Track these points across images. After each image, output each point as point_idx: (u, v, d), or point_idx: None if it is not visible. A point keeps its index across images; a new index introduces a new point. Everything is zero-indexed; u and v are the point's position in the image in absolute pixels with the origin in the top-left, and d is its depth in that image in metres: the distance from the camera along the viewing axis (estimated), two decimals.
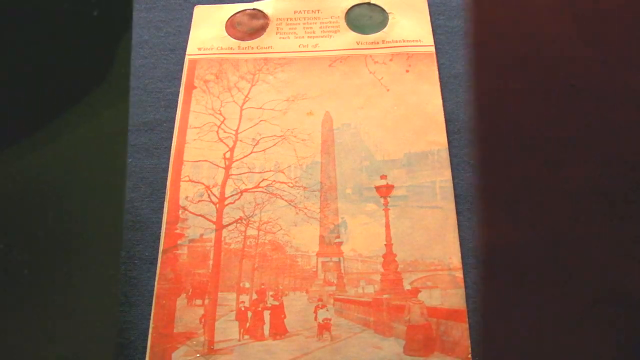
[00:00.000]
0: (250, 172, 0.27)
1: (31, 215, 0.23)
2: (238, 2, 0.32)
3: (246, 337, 0.24)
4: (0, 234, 0.22)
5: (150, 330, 0.24)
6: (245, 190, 0.27)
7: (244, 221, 0.26)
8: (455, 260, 0.25)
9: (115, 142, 0.25)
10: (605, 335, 0.25)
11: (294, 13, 0.31)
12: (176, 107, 0.29)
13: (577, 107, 0.30)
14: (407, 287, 0.24)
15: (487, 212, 0.27)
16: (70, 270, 0.23)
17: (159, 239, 0.26)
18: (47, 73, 0.24)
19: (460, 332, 0.23)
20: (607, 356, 0.24)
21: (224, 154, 0.27)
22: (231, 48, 0.30)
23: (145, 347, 0.24)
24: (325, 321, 0.24)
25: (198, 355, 0.23)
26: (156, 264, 0.25)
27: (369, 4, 0.31)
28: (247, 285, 0.25)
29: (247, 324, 0.24)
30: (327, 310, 0.24)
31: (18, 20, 0.24)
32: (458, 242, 0.25)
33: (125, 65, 0.25)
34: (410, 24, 0.31)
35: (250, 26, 0.31)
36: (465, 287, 0.24)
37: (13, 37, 0.24)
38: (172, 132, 0.28)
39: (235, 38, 0.31)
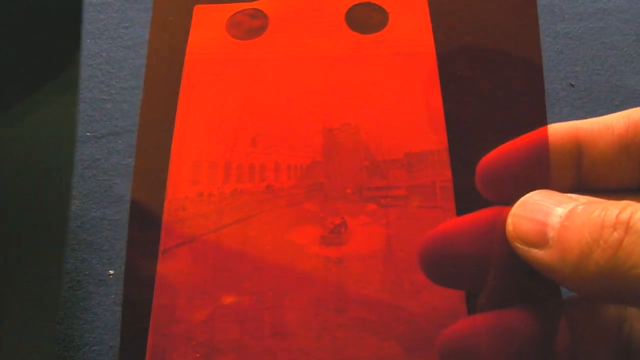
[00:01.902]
0: (250, 172, 0.27)
1: None
2: (238, 2, 0.32)
3: (246, 337, 0.24)
4: None
5: (150, 330, 0.24)
6: (246, 190, 0.27)
7: (244, 221, 0.26)
8: None
9: (63, 139, 0.25)
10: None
11: (294, 13, 0.31)
12: (176, 107, 0.29)
13: (577, 107, 0.30)
14: (407, 287, 0.24)
15: None
16: (12, 273, 0.23)
17: (159, 239, 0.26)
18: None
19: None
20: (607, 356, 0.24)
21: (224, 154, 0.27)
22: (231, 48, 0.30)
23: (145, 347, 0.24)
24: (325, 321, 0.24)
25: (198, 355, 0.23)
26: (156, 264, 0.25)
27: (369, 4, 0.31)
28: (246, 285, 0.25)
29: (247, 324, 0.24)
30: (328, 310, 0.24)
31: None
32: None
33: (75, 65, 0.25)
34: (410, 24, 0.31)
35: (250, 26, 0.31)
36: None
37: None
38: (172, 132, 0.28)
39: (235, 38, 0.31)
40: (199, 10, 0.32)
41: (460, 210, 0.26)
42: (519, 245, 0.18)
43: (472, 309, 0.24)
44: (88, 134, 0.32)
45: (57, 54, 0.27)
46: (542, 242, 0.17)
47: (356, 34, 0.30)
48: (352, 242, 0.25)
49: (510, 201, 0.19)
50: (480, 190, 0.21)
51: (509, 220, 0.19)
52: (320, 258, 0.25)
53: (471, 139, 0.28)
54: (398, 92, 0.29)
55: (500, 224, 0.19)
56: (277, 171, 0.27)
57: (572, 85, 0.31)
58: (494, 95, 0.30)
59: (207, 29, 0.31)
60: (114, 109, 0.32)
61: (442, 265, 0.21)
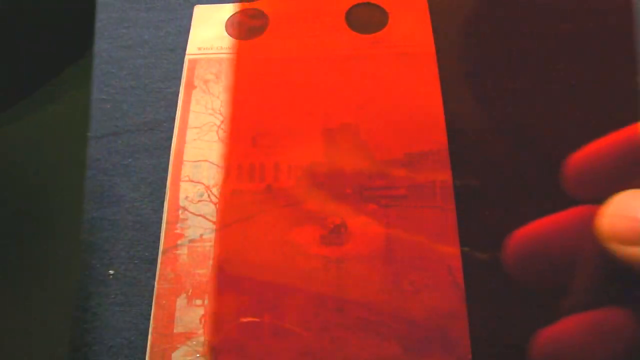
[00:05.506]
0: (250, 172, 0.27)
1: None
2: (238, 2, 0.32)
3: (246, 337, 0.24)
4: None
5: (150, 330, 0.24)
6: (246, 190, 0.27)
7: (244, 221, 0.26)
8: (455, 260, 0.25)
9: (76, 127, 0.25)
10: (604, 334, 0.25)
11: (294, 13, 0.31)
12: (176, 107, 0.29)
13: (577, 107, 0.30)
14: (407, 287, 0.24)
15: (487, 212, 0.27)
16: (28, 257, 0.23)
17: (159, 239, 0.26)
18: (11, 56, 0.24)
19: (460, 332, 0.23)
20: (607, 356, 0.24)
21: (224, 154, 0.27)
22: (231, 48, 0.30)
23: (145, 347, 0.24)
24: (325, 321, 0.24)
25: (198, 355, 0.23)
26: (156, 264, 0.25)
27: (369, 4, 0.31)
28: (246, 285, 0.25)
29: (247, 324, 0.24)
30: (328, 310, 0.24)
31: None
32: (458, 242, 0.25)
33: (89, 48, 0.25)
34: (410, 24, 0.31)
35: (250, 26, 0.31)
36: (465, 287, 0.24)
37: None
38: (172, 132, 0.28)
39: (235, 38, 0.31)
40: (199, 10, 0.32)
41: (460, 210, 0.26)
42: (615, 245, 0.17)
43: (471, 309, 0.24)
44: (88, 134, 0.32)
45: (68, 50, 0.27)
46: (639, 238, 0.17)
47: (356, 34, 0.30)
48: (352, 242, 0.25)
49: (600, 200, 0.18)
50: (568, 188, 0.20)
51: (604, 220, 0.18)
52: (320, 258, 0.25)
53: (471, 139, 0.28)
54: (398, 92, 0.29)
55: (589, 224, 0.18)
56: (277, 171, 0.27)
57: (572, 85, 0.31)
58: (492, 94, 0.30)
59: (207, 29, 0.31)
60: (114, 109, 0.32)
61: (528, 264, 0.20)
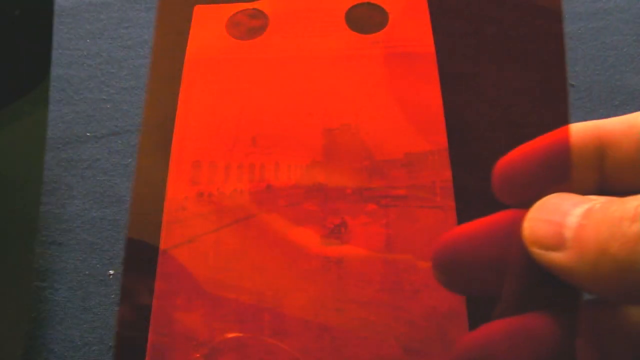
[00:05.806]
0: (250, 172, 0.27)
1: None
2: (238, 2, 0.32)
3: (246, 337, 0.24)
4: None
5: (150, 330, 0.24)
6: (245, 190, 0.27)
7: (244, 221, 0.26)
8: None
9: (33, 153, 0.25)
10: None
11: (294, 13, 0.31)
12: (176, 107, 0.29)
13: (577, 107, 0.30)
14: (407, 287, 0.24)
15: (486, 212, 0.27)
16: None
17: (159, 239, 0.26)
18: None
19: (460, 332, 0.23)
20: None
21: (224, 154, 0.27)
22: (231, 48, 0.30)
23: (145, 347, 0.24)
24: (325, 321, 0.24)
25: (198, 355, 0.23)
26: (156, 264, 0.25)
27: (369, 4, 0.31)
28: (246, 285, 0.25)
29: (247, 324, 0.24)
30: (328, 310, 0.24)
31: None
32: None
33: (45, 83, 0.26)
34: (410, 24, 0.31)
35: (250, 26, 0.31)
36: None
37: None
38: (172, 132, 0.28)
39: (235, 38, 0.31)
40: (199, 10, 0.32)
41: (460, 211, 0.26)
42: (536, 250, 0.17)
43: (472, 309, 0.24)
44: (88, 134, 0.32)
45: (27, 72, 0.27)
46: (559, 244, 0.16)
47: (356, 34, 0.30)
48: (352, 242, 0.25)
49: (528, 205, 0.18)
50: (497, 193, 0.20)
51: (525, 224, 0.18)
52: (320, 258, 0.25)
53: (471, 139, 0.28)
54: (398, 92, 0.29)
55: (517, 228, 0.18)
56: (277, 171, 0.27)
57: (572, 85, 0.31)
58: (492, 94, 0.30)
59: (207, 29, 0.31)
60: (114, 109, 0.32)
61: (456, 271, 0.20)
